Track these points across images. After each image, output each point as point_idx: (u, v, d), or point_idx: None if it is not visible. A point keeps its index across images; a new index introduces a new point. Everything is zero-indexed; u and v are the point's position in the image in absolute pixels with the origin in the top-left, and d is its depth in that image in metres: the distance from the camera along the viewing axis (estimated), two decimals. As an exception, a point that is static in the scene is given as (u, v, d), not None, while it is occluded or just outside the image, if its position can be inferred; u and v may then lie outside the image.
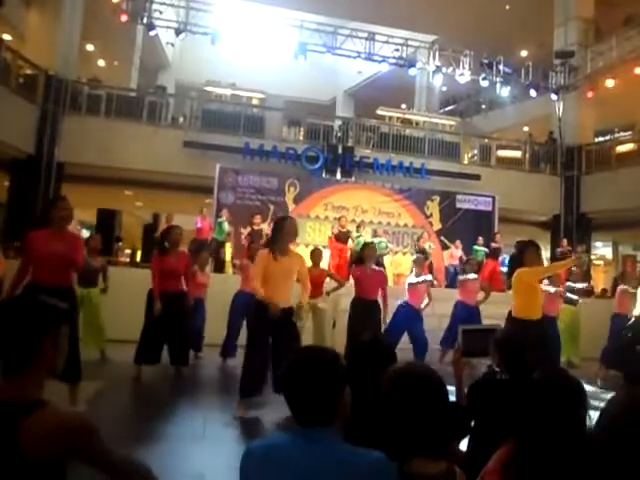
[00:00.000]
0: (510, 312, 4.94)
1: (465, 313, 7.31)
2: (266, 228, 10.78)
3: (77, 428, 1.37)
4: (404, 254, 12.57)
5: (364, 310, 6.25)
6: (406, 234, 12.77)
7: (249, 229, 10.85)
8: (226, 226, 11.10)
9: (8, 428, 1.30)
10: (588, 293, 9.31)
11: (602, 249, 18.85)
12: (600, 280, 17.39)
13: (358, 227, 11.53)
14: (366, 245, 7.00)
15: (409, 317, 6.93)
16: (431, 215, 12.98)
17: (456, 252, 12.02)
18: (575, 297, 8.06)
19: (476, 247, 11.91)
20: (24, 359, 1.39)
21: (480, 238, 12.10)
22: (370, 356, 2.02)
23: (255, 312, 4.59)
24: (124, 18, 12.39)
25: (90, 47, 15.83)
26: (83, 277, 6.15)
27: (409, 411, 1.46)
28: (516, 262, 4.95)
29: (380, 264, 8.54)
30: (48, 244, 4.09)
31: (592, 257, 13.66)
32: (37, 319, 1.42)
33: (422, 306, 7.03)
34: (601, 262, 19.32)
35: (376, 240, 10.88)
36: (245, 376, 4.59)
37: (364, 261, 6.49)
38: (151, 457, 3.36)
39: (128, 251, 20.06)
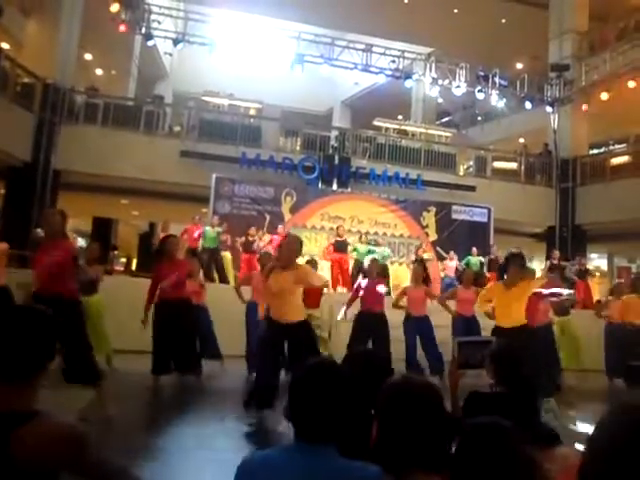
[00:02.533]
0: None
1: (463, 325, 7.28)
2: (259, 238, 10.81)
3: (70, 439, 1.37)
4: (400, 264, 12.58)
5: (371, 323, 6.27)
6: (402, 245, 12.80)
7: (243, 239, 10.84)
8: (212, 232, 10.89)
9: (3, 438, 1.30)
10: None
11: (597, 261, 18.90)
12: (595, 292, 17.42)
13: (360, 237, 11.59)
14: (373, 262, 7.16)
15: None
16: (427, 226, 13.01)
17: (450, 263, 12.03)
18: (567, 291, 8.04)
19: (470, 258, 11.93)
20: (32, 371, 1.41)
21: (474, 249, 12.13)
22: (364, 368, 2.02)
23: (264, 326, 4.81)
24: (123, 28, 12.44)
25: (88, 56, 15.88)
26: (81, 286, 6.13)
27: (406, 424, 1.45)
28: (503, 272, 5.19)
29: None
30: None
31: (588, 269, 13.60)
32: (50, 335, 1.45)
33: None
34: (596, 274, 19.36)
35: (380, 250, 11.02)
36: (254, 388, 4.74)
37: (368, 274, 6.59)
38: (145, 468, 3.34)
39: (123, 260, 20.00)
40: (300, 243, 4.86)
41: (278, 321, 4.62)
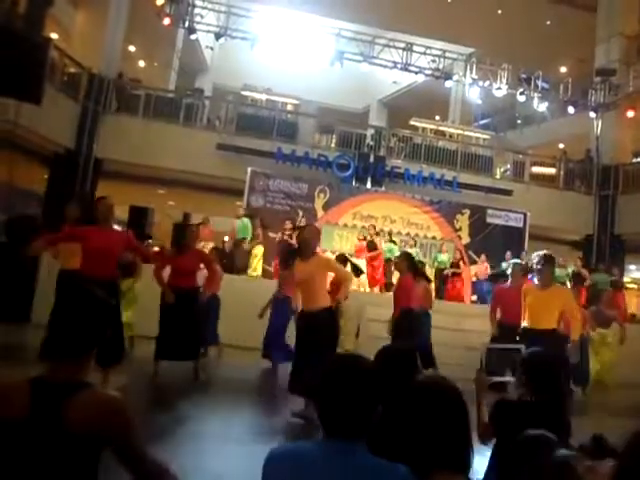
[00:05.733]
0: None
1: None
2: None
3: (118, 410, 1.48)
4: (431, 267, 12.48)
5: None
6: (434, 246, 12.69)
7: (280, 235, 10.82)
8: (240, 223, 10.97)
9: (56, 406, 1.42)
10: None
11: (636, 272, 18.35)
12: (633, 305, 16.92)
13: (390, 235, 11.64)
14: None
15: None
16: (460, 229, 12.87)
17: (483, 267, 11.88)
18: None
19: (504, 264, 11.76)
20: (89, 346, 1.54)
21: (508, 253, 11.96)
22: (391, 365, 2.02)
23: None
24: (167, 21, 12.67)
25: (132, 48, 16.22)
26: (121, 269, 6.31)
27: (428, 424, 1.46)
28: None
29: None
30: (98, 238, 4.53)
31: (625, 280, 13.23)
32: (109, 314, 1.60)
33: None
34: (634, 286, 18.80)
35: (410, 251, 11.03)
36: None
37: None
38: (169, 455, 3.42)
39: (157, 249, 20.34)
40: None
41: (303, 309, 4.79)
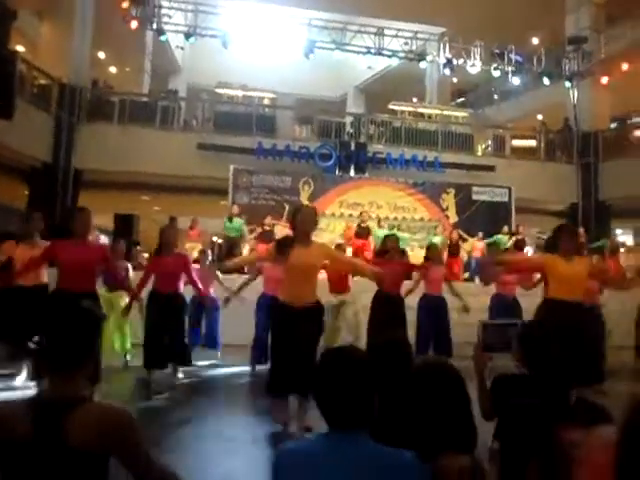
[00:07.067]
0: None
1: (502, 305, 6.91)
2: (281, 228, 10.75)
3: (121, 422, 1.45)
4: (421, 248, 12.51)
5: (388, 304, 6.18)
6: (422, 228, 12.73)
7: (260, 230, 10.80)
8: (237, 222, 10.85)
9: (57, 425, 1.38)
10: None
11: (622, 236, 18.54)
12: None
13: (379, 222, 11.62)
14: (388, 237, 6.89)
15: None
16: (447, 208, 12.93)
17: (478, 244, 11.98)
18: None
19: (500, 236, 11.91)
20: (82, 359, 1.51)
21: (505, 227, 12.17)
22: (385, 356, 2.02)
23: (273, 311, 4.36)
24: (134, 24, 12.50)
25: (101, 54, 15.98)
26: (110, 282, 6.22)
27: (431, 406, 1.46)
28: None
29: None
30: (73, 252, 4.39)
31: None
32: (97, 324, 1.57)
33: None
34: (621, 249, 18.99)
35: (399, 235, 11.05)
36: (271, 375, 4.31)
37: (388, 253, 6.46)
38: (171, 458, 3.40)
39: (146, 255, 20.20)
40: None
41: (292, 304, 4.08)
